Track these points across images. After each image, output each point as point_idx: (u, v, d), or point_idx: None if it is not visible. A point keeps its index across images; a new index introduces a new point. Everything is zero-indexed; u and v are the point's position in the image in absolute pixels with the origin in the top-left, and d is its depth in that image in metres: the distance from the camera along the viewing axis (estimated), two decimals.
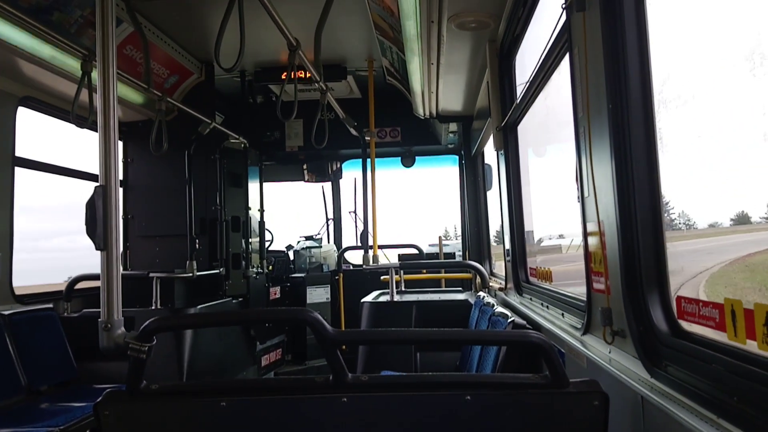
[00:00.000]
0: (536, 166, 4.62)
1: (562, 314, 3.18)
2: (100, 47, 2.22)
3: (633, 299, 2.03)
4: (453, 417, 1.91)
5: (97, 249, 2.15)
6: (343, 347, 7.06)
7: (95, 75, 2.31)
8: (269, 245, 9.20)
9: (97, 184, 2.21)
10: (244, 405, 1.96)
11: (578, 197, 2.62)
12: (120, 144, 7.14)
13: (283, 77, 4.77)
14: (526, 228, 4.78)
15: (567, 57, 2.73)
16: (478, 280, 6.13)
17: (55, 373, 5.12)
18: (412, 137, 8.72)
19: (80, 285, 6.00)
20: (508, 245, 4.93)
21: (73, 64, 4.91)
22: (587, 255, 2.52)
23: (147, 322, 1.97)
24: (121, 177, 7.08)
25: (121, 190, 7.09)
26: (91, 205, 2.14)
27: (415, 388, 1.94)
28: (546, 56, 3.31)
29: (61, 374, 5.17)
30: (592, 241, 2.45)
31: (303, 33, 4.63)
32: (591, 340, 2.52)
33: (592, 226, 2.44)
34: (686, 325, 1.83)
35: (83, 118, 4.93)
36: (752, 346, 1.47)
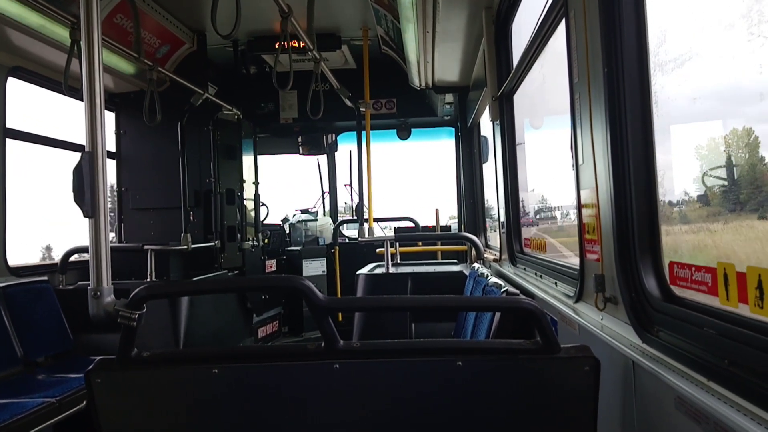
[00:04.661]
0: (532, 135, 4.58)
1: (555, 283, 3.17)
2: (84, 10, 2.17)
3: (625, 265, 2.02)
4: (445, 382, 1.91)
5: (84, 216, 2.13)
6: (339, 319, 7.06)
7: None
8: (265, 218, 9.19)
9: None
10: (236, 372, 1.96)
11: (573, 165, 2.60)
12: (112, 115, 7.06)
13: (277, 46, 4.71)
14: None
15: (563, 22, 2.68)
16: (474, 251, 6.13)
17: (51, 345, 5.14)
18: (407, 109, 8.65)
19: (75, 257, 5.99)
20: (502, 217, 4.92)
21: (62, 33, 4.82)
22: (581, 222, 2.51)
23: (137, 289, 1.96)
24: (112, 148, 7.02)
25: (114, 162, 7.05)
26: (78, 172, 2.11)
27: (407, 354, 1.94)
28: (542, 22, 3.25)
29: (57, 346, 5.18)
30: (586, 208, 2.43)
31: (295, 0, 4.55)
32: (583, 307, 2.52)
33: (586, 194, 2.42)
34: (678, 291, 1.83)
35: (75, 89, 4.86)
36: (744, 309, 1.47)
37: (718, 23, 1.60)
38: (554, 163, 3.61)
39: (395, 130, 9.13)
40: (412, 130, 9.14)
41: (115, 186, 7.12)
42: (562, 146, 2.99)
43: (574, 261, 2.97)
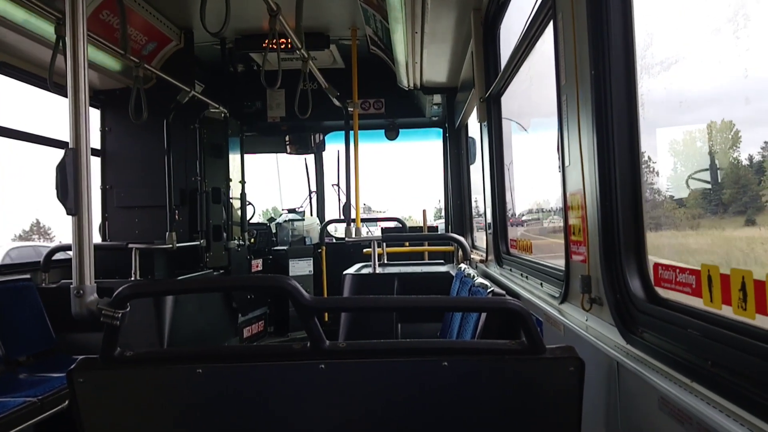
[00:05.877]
0: (520, 137, 4.60)
1: (541, 284, 3.19)
2: (70, 5, 2.15)
3: (610, 267, 2.03)
4: (430, 383, 1.91)
5: (68, 214, 2.10)
6: (325, 319, 7.01)
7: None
8: (251, 217, 9.15)
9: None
10: (221, 372, 1.94)
11: (559, 166, 2.61)
12: (97, 112, 7.00)
13: (265, 45, 4.70)
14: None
15: (551, 25, 2.69)
16: (460, 252, 6.14)
17: (34, 344, 5.06)
18: (395, 109, 8.65)
19: (58, 255, 5.93)
20: (489, 218, 4.93)
21: (47, 29, 4.77)
22: (566, 224, 2.52)
23: (120, 288, 1.94)
24: (97, 145, 6.96)
25: (99, 159, 6.98)
26: (61, 169, 2.08)
27: (392, 354, 1.93)
28: (530, 24, 3.27)
29: (40, 344, 5.11)
30: (572, 209, 2.45)
31: None
32: (569, 308, 2.53)
33: (572, 195, 2.43)
34: (662, 292, 1.84)
35: (60, 85, 4.81)
36: (727, 311, 1.48)
37: (704, 27, 1.62)
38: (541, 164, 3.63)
39: (383, 131, 9.13)
40: (400, 130, 9.14)
41: (99, 182, 7.05)
42: (549, 147, 3.01)
43: (560, 262, 2.99)
